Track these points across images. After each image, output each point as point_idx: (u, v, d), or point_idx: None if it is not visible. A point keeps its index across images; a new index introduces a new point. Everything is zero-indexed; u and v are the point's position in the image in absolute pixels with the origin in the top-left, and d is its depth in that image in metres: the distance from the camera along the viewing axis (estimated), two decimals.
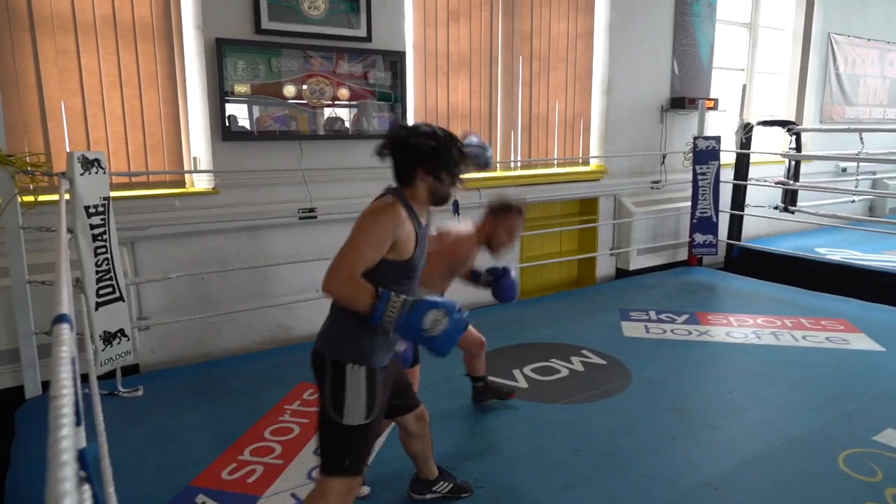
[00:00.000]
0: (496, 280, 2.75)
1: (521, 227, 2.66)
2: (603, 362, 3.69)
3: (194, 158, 3.80)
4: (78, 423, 0.99)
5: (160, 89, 3.65)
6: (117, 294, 3.04)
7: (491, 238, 2.61)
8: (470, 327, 2.81)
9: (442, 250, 2.48)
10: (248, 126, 3.81)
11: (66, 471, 0.53)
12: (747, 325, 4.35)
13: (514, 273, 2.81)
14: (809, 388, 3.33)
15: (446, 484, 2.34)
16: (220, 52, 3.61)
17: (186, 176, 3.84)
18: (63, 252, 1.67)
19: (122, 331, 3.07)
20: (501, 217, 2.60)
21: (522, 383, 3.40)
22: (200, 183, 3.85)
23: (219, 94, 3.66)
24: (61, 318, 0.96)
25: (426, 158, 1.78)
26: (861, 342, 4.00)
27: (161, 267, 3.63)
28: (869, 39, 7.91)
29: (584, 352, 3.83)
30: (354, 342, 1.76)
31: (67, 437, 0.56)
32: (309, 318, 4.13)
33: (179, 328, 3.74)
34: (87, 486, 1.00)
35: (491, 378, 3.16)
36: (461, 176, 1.87)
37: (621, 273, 5.79)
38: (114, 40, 3.47)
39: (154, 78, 3.62)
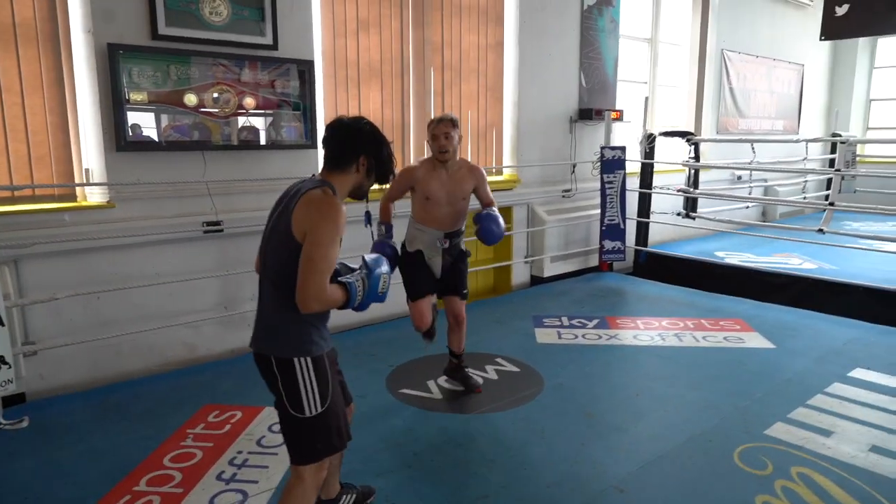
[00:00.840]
0: (478, 225, 3.16)
1: (448, 131, 3.08)
2: (516, 370, 3.74)
3: (86, 170, 3.56)
4: None
5: (46, 97, 3.40)
6: None
7: (432, 149, 3.14)
8: (457, 300, 3.28)
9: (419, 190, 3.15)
10: (146, 136, 3.61)
11: None
12: (653, 327, 4.54)
13: (493, 213, 3.19)
14: (708, 386, 3.50)
15: (349, 497, 2.29)
16: (112, 58, 3.41)
17: (78, 189, 3.59)
18: None
19: (1, 358, 2.82)
20: (430, 129, 3.14)
21: (437, 394, 3.39)
22: (93, 196, 3.61)
23: (112, 102, 3.45)
24: None
25: (370, 146, 1.92)
26: (755, 340, 4.26)
27: (50, 287, 3.37)
28: (757, 56, 8.50)
29: (499, 360, 3.87)
30: (293, 335, 1.83)
31: None
32: (216, 335, 3.95)
33: (72, 352, 3.48)
34: None
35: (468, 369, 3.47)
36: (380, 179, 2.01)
37: (536, 280, 5.91)
38: None
39: (39, 84, 3.37)
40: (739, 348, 4.12)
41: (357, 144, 1.92)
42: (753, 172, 8.12)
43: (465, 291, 3.30)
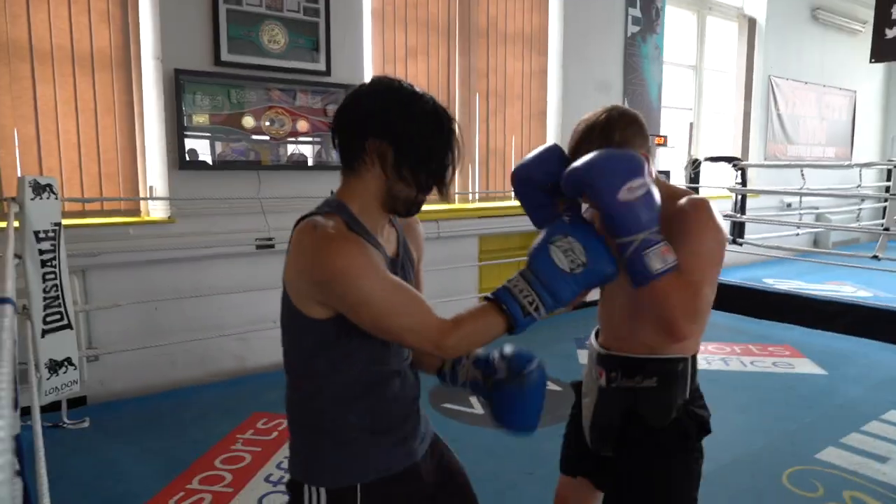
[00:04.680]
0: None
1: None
2: (558, 388, 3.73)
3: (150, 187, 3.78)
4: (14, 407, 0.99)
5: (117, 118, 3.65)
6: (66, 321, 2.97)
7: None
8: None
9: None
10: (205, 156, 3.82)
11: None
12: (699, 352, 4.46)
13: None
14: (756, 409, 3.43)
15: None
16: (178, 82, 3.64)
17: (142, 205, 3.81)
18: (10, 245, 1.67)
19: (69, 359, 2.99)
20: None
21: (478, 409, 3.42)
22: (156, 212, 3.83)
23: (176, 124, 3.68)
24: (4, 301, 0.97)
25: (379, 120, 1.15)
26: (805, 366, 4.15)
27: (113, 296, 3.57)
28: (806, 83, 8.39)
29: None
30: (304, 449, 1.22)
31: (4, 417, 0.57)
32: (264, 348, 4.08)
33: (130, 359, 3.66)
34: (18, 480, 0.99)
35: None
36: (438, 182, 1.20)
37: (579, 303, 5.89)
38: (71, 68, 3.47)
39: (111, 106, 3.62)
40: (789, 374, 4.01)
41: (357, 123, 1.16)
42: (804, 200, 7.97)
43: None
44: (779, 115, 8.08)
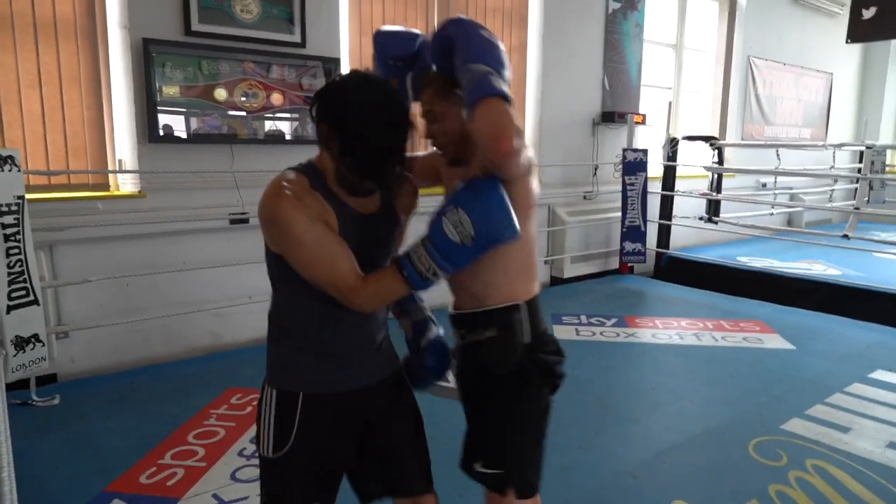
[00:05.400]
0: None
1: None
2: None
3: (119, 161, 3.70)
4: None
5: (83, 89, 3.54)
6: (32, 297, 2.91)
7: None
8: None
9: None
10: (176, 129, 3.74)
11: None
12: (672, 327, 4.53)
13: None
14: (725, 383, 3.49)
15: None
16: (147, 52, 3.55)
17: (111, 179, 3.73)
18: None
19: (36, 336, 2.94)
20: None
21: (453, 383, 3.43)
22: (125, 186, 3.75)
23: (146, 96, 3.59)
24: None
25: (328, 108, 1.28)
26: (774, 342, 4.23)
27: (83, 272, 3.50)
28: (785, 64, 8.44)
29: None
30: (272, 357, 1.44)
31: None
32: (240, 323, 4.05)
33: (102, 336, 3.60)
34: None
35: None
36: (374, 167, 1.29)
37: (556, 281, 5.93)
38: (33, 37, 3.35)
39: (76, 77, 3.52)
40: (758, 348, 4.09)
41: (314, 107, 1.30)
42: (779, 180, 8.06)
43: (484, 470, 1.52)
44: (757, 96, 8.12)
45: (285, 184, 1.28)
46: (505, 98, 1.23)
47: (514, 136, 1.20)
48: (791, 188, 8.56)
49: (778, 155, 6.89)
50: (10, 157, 2.77)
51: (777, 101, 8.49)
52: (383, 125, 1.25)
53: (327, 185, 1.32)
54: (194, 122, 3.79)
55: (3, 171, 2.73)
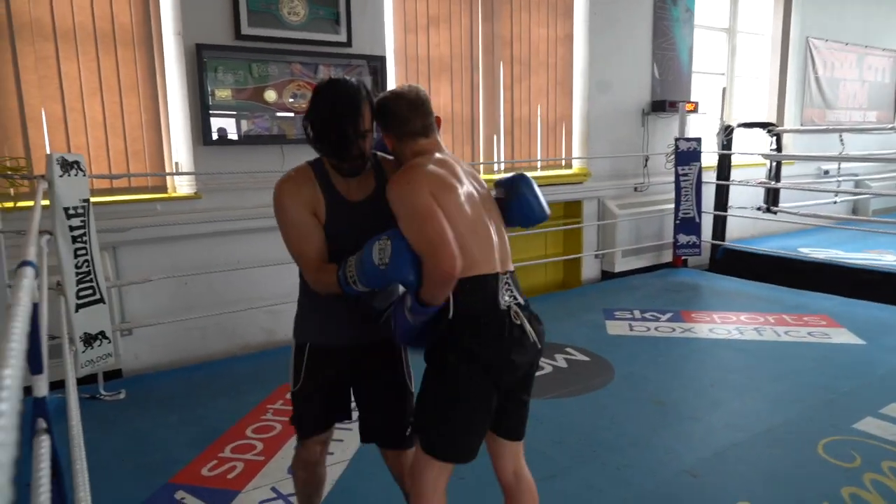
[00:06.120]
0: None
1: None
2: (586, 359, 3.70)
3: (176, 163, 3.81)
4: (37, 371, 1.00)
5: (141, 95, 3.67)
6: (98, 296, 3.03)
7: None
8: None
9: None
10: (229, 131, 3.83)
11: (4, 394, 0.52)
12: (730, 322, 4.37)
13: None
14: (790, 379, 3.35)
15: None
16: (200, 57, 3.64)
17: (168, 181, 3.85)
18: (35, 215, 1.71)
19: (103, 333, 3.05)
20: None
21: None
22: (182, 188, 3.86)
23: (200, 100, 3.68)
24: (26, 263, 0.98)
25: (310, 104, 1.60)
26: (842, 336, 4.03)
27: (143, 272, 3.62)
28: (846, 44, 8.04)
29: (568, 349, 3.84)
30: (295, 320, 1.84)
31: (15, 356, 0.55)
32: (292, 320, 4.11)
33: (163, 333, 3.73)
34: (45, 438, 1.01)
35: None
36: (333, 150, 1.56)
37: (606, 275, 5.82)
38: (94, 47, 3.49)
39: (135, 84, 3.64)
40: (825, 343, 3.91)
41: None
42: (842, 166, 7.69)
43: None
44: (816, 79, 7.77)
45: (292, 173, 1.65)
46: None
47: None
48: (856, 174, 8.14)
49: (841, 140, 6.57)
50: (76, 162, 2.89)
51: (839, 83, 8.10)
52: (326, 115, 1.54)
53: (327, 175, 1.64)
54: (245, 124, 3.87)
55: (69, 175, 2.84)
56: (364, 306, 1.72)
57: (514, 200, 1.73)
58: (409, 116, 1.62)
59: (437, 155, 1.63)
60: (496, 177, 5.15)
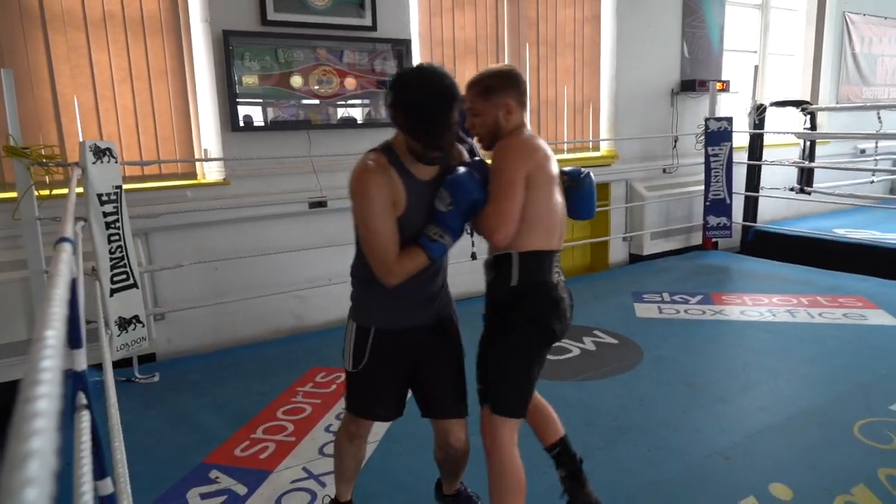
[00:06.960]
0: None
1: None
2: (615, 342, 3.67)
3: (205, 150, 3.86)
4: (76, 346, 1.02)
5: (170, 82, 3.71)
6: (131, 281, 3.10)
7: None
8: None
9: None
10: (256, 117, 3.86)
11: (46, 375, 0.52)
12: (762, 304, 4.29)
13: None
14: (825, 361, 3.28)
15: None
16: (227, 43, 3.66)
17: (198, 167, 3.90)
18: (71, 201, 1.74)
19: (136, 317, 3.12)
20: None
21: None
22: (211, 174, 3.91)
23: (227, 87, 3.72)
24: (64, 239, 1.00)
25: (394, 87, 1.59)
26: (879, 318, 3.93)
27: (175, 257, 3.69)
28: (886, 18, 7.76)
29: (596, 332, 3.81)
30: (354, 303, 1.88)
31: (54, 338, 0.56)
32: (321, 305, 4.16)
33: (194, 318, 3.80)
34: (86, 413, 1.03)
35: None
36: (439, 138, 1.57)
37: (634, 258, 5.75)
38: (123, 35, 3.54)
39: (163, 71, 3.68)
40: (861, 325, 3.81)
41: (387, 95, 1.62)
42: (880, 144, 7.46)
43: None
44: (853, 55, 7.52)
45: (370, 163, 1.63)
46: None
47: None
48: (894, 153, 7.90)
49: (879, 118, 6.37)
50: (108, 149, 2.94)
51: (877, 59, 7.83)
52: (431, 107, 1.55)
53: (400, 160, 1.66)
54: (271, 111, 3.89)
55: (102, 162, 2.90)
56: (429, 284, 1.80)
57: (576, 193, 1.88)
58: (525, 90, 1.81)
59: (529, 131, 1.81)
60: None
